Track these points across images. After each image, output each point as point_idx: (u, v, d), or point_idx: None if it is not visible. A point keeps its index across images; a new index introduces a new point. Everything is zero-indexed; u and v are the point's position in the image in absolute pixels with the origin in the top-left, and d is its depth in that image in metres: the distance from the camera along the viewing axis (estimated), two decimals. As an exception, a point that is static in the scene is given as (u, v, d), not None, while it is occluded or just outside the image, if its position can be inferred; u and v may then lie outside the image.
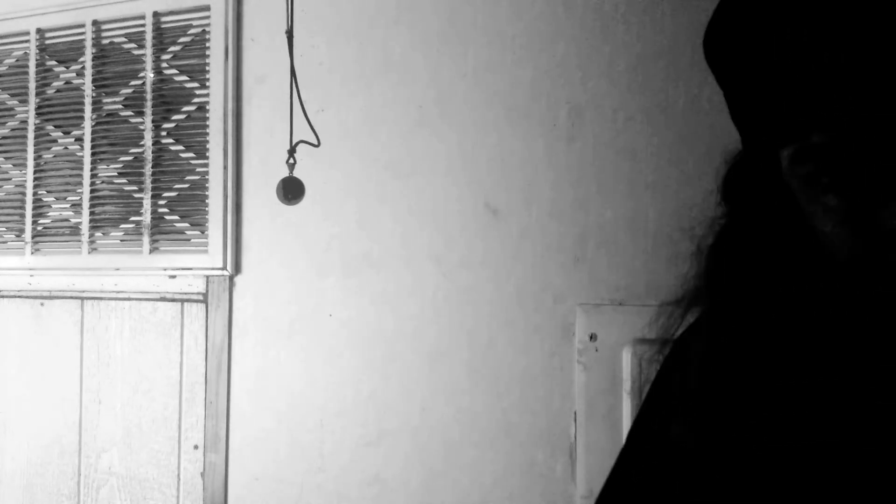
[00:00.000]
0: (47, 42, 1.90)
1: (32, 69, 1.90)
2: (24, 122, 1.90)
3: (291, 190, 1.39)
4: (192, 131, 1.75)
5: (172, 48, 1.77)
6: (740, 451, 0.45)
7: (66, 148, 1.86)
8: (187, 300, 1.76)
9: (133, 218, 1.80)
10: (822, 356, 0.43)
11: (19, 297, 1.92)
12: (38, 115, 1.89)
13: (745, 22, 0.41)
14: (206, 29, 1.74)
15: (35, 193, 1.89)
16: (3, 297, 1.94)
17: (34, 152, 1.88)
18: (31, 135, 1.89)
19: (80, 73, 1.85)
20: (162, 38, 1.79)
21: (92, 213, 1.83)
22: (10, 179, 1.92)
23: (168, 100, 1.78)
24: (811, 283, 0.44)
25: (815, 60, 0.37)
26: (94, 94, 1.83)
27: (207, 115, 1.73)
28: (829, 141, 0.38)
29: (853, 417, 0.42)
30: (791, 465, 0.43)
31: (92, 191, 1.83)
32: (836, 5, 0.36)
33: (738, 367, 0.47)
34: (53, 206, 1.88)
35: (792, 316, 0.45)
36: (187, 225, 1.75)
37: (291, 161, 1.36)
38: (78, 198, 1.85)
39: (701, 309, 0.52)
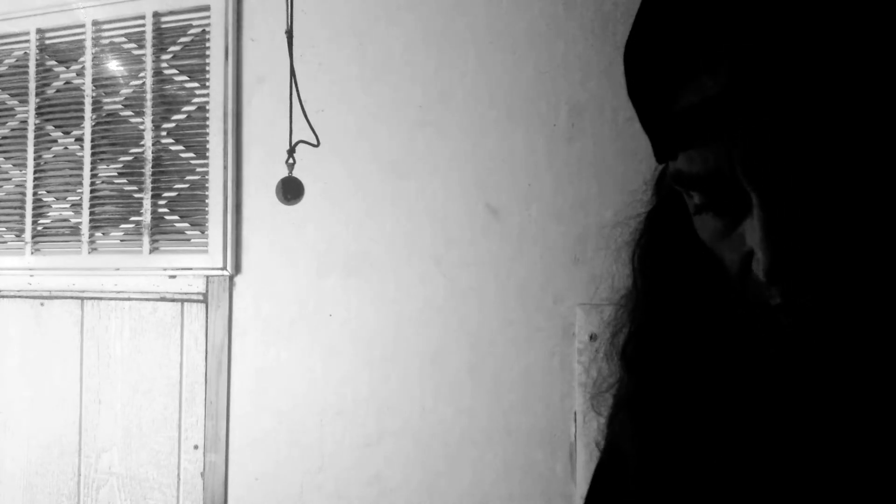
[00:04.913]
0: (47, 42, 1.90)
1: (32, 69, 1.90)
2: (24, 122, 1.90)
3: (291, 190, 1.39)
4: (192, 131, 1.75)
5: (172, 48, 1.77)
6: (668, 454, 0.48)
7: (66, 148, 1.86)
8: (187, 300, 1.76)
9: (133, 218, 1.80)
10: (723, 359, 0.46)
11: (19, 297, 1.92)
12: (38, 115, 1.89)
13: (641, 50, 0.43)
14: (206, 29, 1.74)
15: (35, 193, 1.89)
16: (3, 297, 1.94)
17: (34, 152, 1.88)
18: (31, 135, 1.89)
19: (80, 73, 1.85)
20: (162, 38, 1.79)
21: (92, 213, 1.83)
22: (10, 179, 1.92)
23: (168, 100, 1.78)
24: (718, 290, 0.45)
25: (686, 91, 0.38)
26: (94, 94, 1.83)
27: (207, 115, 1.73)
28: (691, 168, 0.40)
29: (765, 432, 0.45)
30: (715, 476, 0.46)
31: (92, 191, 1.83)
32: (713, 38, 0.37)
33: (658, 369, 0.50)
34: (53, 206, 1.88)
35: (702, 321, 0.47)
36: (187, 225, 1.75)
37: (291, 161, 1.36)
38: (78, 198, 1.85)
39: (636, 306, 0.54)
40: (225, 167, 1.70)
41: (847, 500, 0.41)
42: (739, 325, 0.44)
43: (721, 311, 0.46)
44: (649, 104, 0.43)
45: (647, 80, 0.42)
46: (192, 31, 1.76)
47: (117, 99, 1.82)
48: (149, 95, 1.78)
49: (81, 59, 1.85)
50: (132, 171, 1.80)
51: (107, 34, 1.84)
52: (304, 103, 1.46)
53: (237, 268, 1.71)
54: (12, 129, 1.92)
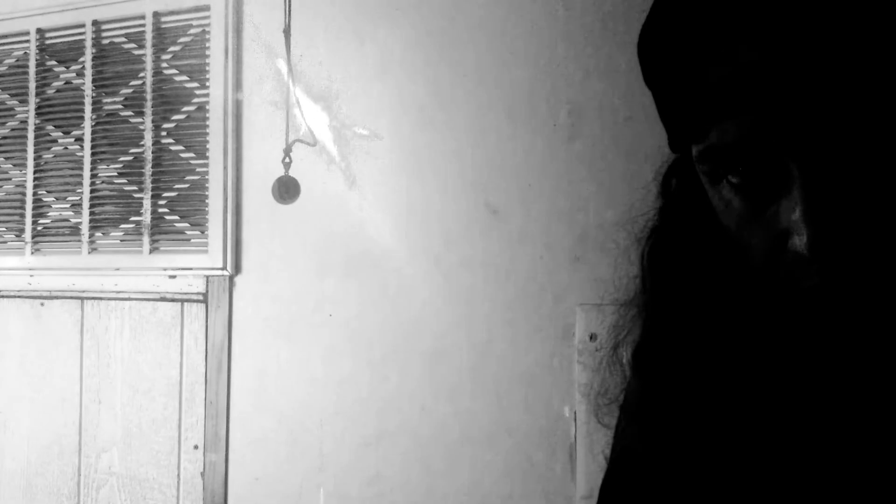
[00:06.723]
0: (47, 42, 1.90)
1: (32, 69, 1.90)
2: (24, 122, 1.90)
3: (287, 189, 1.40)
4: (192, 131, 1.75)
5: (172, 48, 1.77)
6: (677, 452, 0.47)
7: (66, 148, 1.86)
8: (187, 300, 1.75)
9: (133, 218, 1.80)
10: (740, 358, 0.45)
11: (19, 297, 1.92)
12: (38, 115, 1.89)
13: (668, 26, 0.41)
14: (206, 29, 1.73)
15: (35, 193, 1.89)
16: (3, 297, 1.94)
17: (34, 152, 1.88)
18: (31, 135, 1.88)
19: (80, 73, 1.85)
20: (162, 38, 1.79)
21: (92, 213, 1.83)
22: (10, 179, 1.92)
23: (168, 100, 1.78)
24: (734, 285, 0.44)
25: (720, 62, 0.37)
26: (94, 94, 1.83)
27: (207, 115, 1.73)
28: (725, 141, 0.38)
29: (774, 421, 0.43)
30: (723, 466, 0.45)
31: (92, 191, 1.83)
32: (742, 18, 0.36)
33: (671, 371, 0.48)
34: (53, 206, 1.88)
35: (717, 319, 0.46)
36: (187, 225, 1.75)
37: (287, 160, 1.36)
38: (78, 198, 1.85)
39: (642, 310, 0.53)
40: (225, 167, 1.70)
41: (865, 499, 0.40)
42: (759, 319, 0.43)
43: (737, 307, 0.44)
44: (674, 83, 0.41)
45: (674, 57, 0.40)
46: (192, 31, 1.76)
47: (117, 99, 1.82)
48: (149, 95, 1.78)
49: (81, 59, 1.85)
50: (132, 171, 1.80)
51: (107, 34, 1.84)
52: (302, 103, 1.46)
53: (237, 268, 1.71)
54: (12, 129, 1.92)
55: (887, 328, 0.38)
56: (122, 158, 1.81)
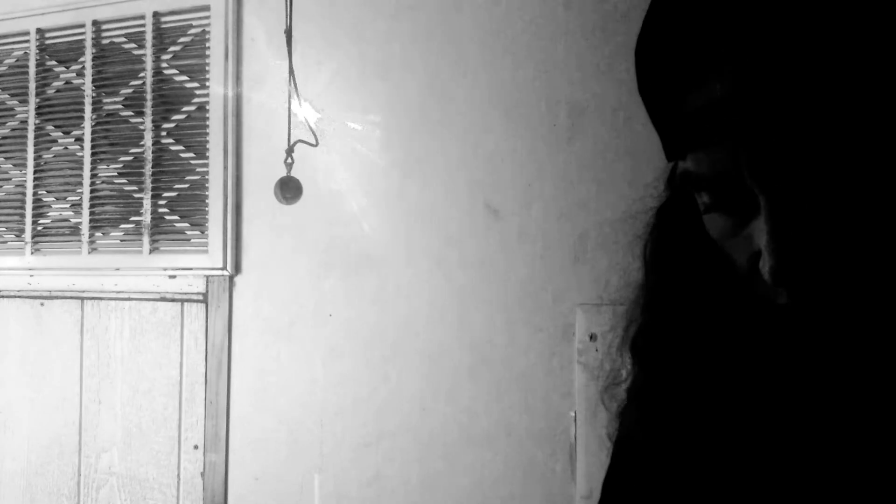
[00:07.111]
0: (47, 42, 1.90)
1: (32, 69, 1.90)
2: (24, 122, 1.90)
3: (289, 189, 1.40)
4: (192, 131, 1.75)
5: (172, 48, 1.77)
6: (671, 444, 0.50)
7: (66, 148, 1.86)
8: (187, 300, 1.75)
9: (133, 218, 1.80)
10: (728, 350, 0.48)
11: (19, 297, 1.92)
12: (38, 115, 1.89)
13: (651, 52, 0.43)
14: (206, 29, 1.73)
15: (35, 193, 1.89)
16: (3, 297, 1.94)
17: (34, 152, 1.88)
18: (31, 135, 1.89)
19: (80, 73, 1.85)
20: (162, 38, 1.79)
21: (92, 213, 1.83)
22: (10, 179, 1.92)
23: (168, 99, 1.78)
24: (726, 284, 0.46)
25: (694, 93, 0.39)
26: (94, 94, 1.83)
27: (207, 115, 1.73)
28: (699, 168, 0.40)
29: (764, 424, 0.46)
30: (716, 461, 0.47)
31: (92, 191, 1.83)
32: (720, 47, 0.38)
33: (666, 359, 0.51)
34: (53, 206, 1.88)
35: (709, 315, 0.49)
36: (187, 225, 1.75)
37: (289, 161, 1.36)
38: (78, 198, 1.85)
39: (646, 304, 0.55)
40: (225, 167, 1.70)
41: (842, 487, 0.42)
42: (747, 320, 0.45)
43: (729, 305, 0.47)
44: (659, 104, 0.44)
45: (657, 81, 0.43)
46: (192, 31, 1.76)
47: (117, 99, 1.82)
48: (149, 95, 1.78)
49: (81, 59, 1.85)
50: (132, 171, 1.80)
51: (107, 34, 1.84)
52: (303, 103, 1.46)
53: (237, 268, 1.71)
54: (12, 129, 1.92)
55: (856, 339, 0.41)
56: (122, 158, 1.81)
